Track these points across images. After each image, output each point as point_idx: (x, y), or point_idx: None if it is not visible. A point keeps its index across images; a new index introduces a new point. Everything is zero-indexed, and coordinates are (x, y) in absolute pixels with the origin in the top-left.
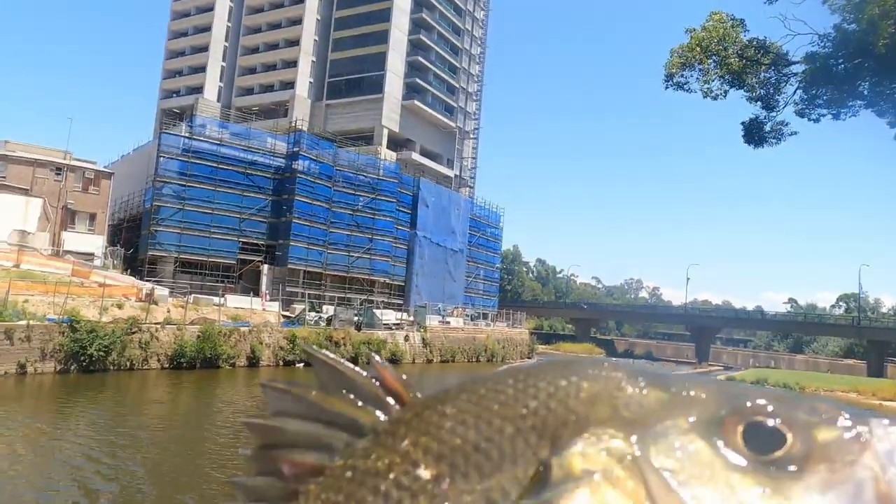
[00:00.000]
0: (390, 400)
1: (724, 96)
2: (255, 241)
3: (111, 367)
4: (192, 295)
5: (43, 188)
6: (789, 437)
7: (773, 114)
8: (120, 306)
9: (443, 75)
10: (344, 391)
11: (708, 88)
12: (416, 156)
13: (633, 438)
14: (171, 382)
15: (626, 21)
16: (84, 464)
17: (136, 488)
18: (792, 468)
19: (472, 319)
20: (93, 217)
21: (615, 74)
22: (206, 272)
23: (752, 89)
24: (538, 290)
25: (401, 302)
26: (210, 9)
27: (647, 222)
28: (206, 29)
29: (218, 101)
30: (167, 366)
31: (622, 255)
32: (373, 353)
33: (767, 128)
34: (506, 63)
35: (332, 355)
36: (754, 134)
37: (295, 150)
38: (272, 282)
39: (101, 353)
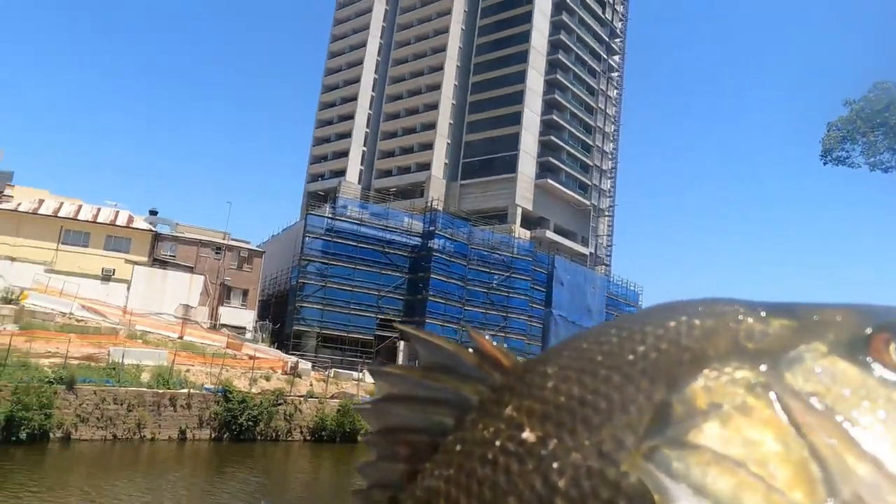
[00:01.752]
0: (492, 368)
1: None
2: (392, 318)
3: (258, 437)
4: (333, 369)
5: (205, 266)
6: None
7: None
8: (267, 378)
9: (576, 154)
10: (446, 366)
11: (876, 161)
12: (550, 234)
13: (763, 367)
14: (312, 454)
15: (771, 90)
16: None
17: None
18: None
19: None
20: (245, 293)
21: (765, 143)
22: (346, 347)
23: None
24: None
25: None
26: (353, 98)
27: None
28: (350, 117)
29: (359, 183)
30: (309, 438)
31: None
32: (468, 323)
33: None
34: (643, 138)
35: (429, 333)
36: None
37: (431, 229)
38: (408, 358)
39: (250, 423)
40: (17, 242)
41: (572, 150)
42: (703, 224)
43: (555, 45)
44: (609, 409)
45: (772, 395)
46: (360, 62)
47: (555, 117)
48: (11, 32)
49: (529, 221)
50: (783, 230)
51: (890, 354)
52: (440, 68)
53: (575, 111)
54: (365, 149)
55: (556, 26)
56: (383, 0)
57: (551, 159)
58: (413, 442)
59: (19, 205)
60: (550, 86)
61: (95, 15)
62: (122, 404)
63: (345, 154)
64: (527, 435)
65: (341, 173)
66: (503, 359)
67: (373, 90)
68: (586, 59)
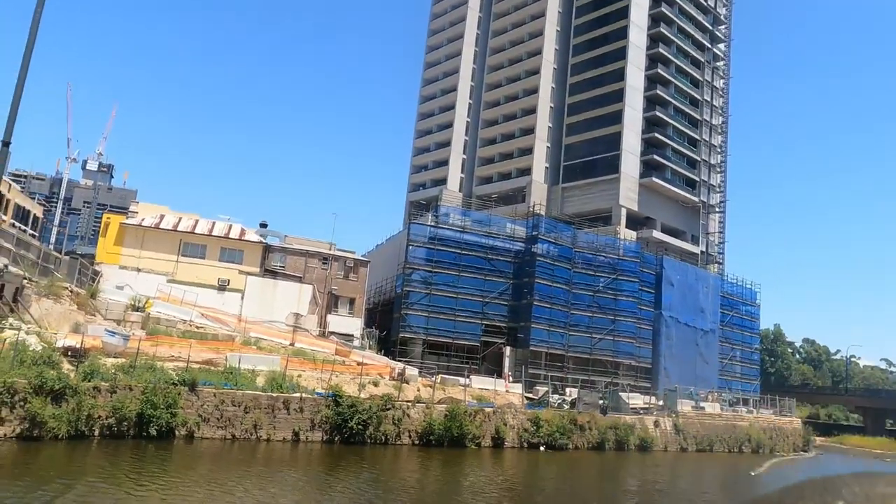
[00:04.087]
0: None
1: None
2: (498, 324)
3: (368, 441)
4: (440, 375)
5: (312, 276)
6: None
7: None
8: (375, 384)
9: (682, 150)
10: None
11: None
12: (657, 233)
13: None
14: (421, 458)
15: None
16: None
17: None
18: None
19: (730, 405)
20: (352, 301)
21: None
22: (452, 353)
23: None
24: (809, 374)
25: (648, 385)
26: (451, 107)
27: None
28: (448, 126)
29: (460, 190)
30: (417, 442)
31: None
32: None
33: None
34: (756, 126)
35: None
36: None
37: (533, 233)
38: (514, 363)
39: (360, 427)
40: (143, 255)
41: (678, 147)
42: (830, 213)
43: (654, 39)
44: None
45: None
46: (456, 71)
47: (658, 113)
48: (128, 64)
49: (635, 222)
50: None
51: None
52: (536, 72)
53: (679, 105)
54: (465, 156)
55: (655, 19)
56: (477, 8)
57: (656, 157)
58: None
59: (143, 220)
60: (651, 81)
61: (201, 35)
62: (239, 406)
63: (445, 163)
64: None
65: (442, 182)
66: None
67: (470, 98)
68: (689, 50)
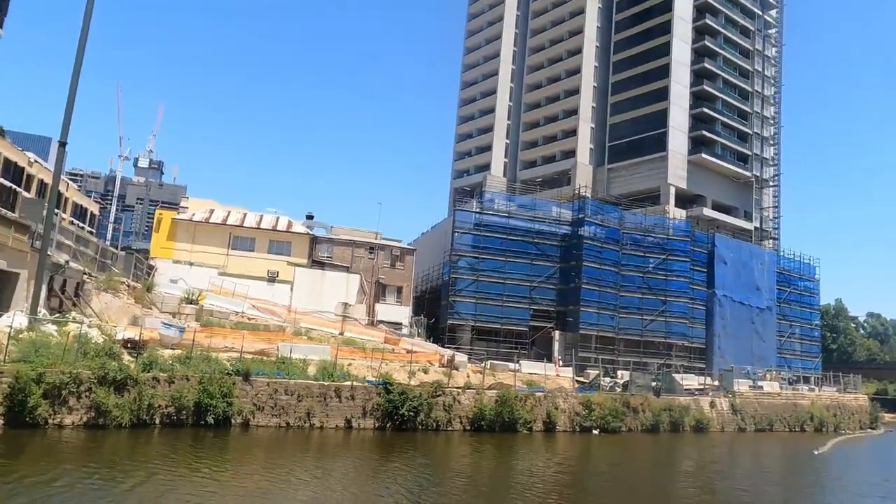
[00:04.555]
0: None
1: None
2: (546, 308)
3: (420, 427)
4: (489, 361)
5: (360, 265)
6: None
7: None
8: (425, 371)
9: (732, 124)
10: None
11: None
12: (707, 211)
13: None
14: (474, 443)
15: None
16: None
17: None
18: None
19: (789, 383)
20: (399, 290)
21: None
22: (501, 339)
23: None
24: (875, 349)
25: (702, 365)
26: (493, 92)
27: None
28: (490, 111)
29: (504, 176)
30: (468, 428)
31: None
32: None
33: None
34: (813, 95)
35: None
36: None
37: (580, 216)
38: (564, 347)
39: (411, 414)
40: (194, 249)
41: (727, 121)
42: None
43: (700, 10)
44: None
45: None
46: (496, 55)
47: (706, 87)
48: (171, 60)
49: (684, 200)
50: None
51: None
52: (578, 51)
53: (728, 78)
54: (508, 141)
55: None
56: None
57: (705, 132)
58: None
59: (193, 215)
60: (698, 54)
61: (243, 29)
62: (292, 395)
63: (488, 148)
64: None
65: (486, 167)
66: None
67: (511, 81)
68: (737, 19)
